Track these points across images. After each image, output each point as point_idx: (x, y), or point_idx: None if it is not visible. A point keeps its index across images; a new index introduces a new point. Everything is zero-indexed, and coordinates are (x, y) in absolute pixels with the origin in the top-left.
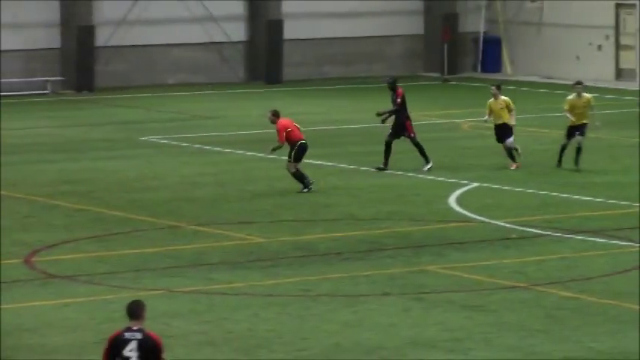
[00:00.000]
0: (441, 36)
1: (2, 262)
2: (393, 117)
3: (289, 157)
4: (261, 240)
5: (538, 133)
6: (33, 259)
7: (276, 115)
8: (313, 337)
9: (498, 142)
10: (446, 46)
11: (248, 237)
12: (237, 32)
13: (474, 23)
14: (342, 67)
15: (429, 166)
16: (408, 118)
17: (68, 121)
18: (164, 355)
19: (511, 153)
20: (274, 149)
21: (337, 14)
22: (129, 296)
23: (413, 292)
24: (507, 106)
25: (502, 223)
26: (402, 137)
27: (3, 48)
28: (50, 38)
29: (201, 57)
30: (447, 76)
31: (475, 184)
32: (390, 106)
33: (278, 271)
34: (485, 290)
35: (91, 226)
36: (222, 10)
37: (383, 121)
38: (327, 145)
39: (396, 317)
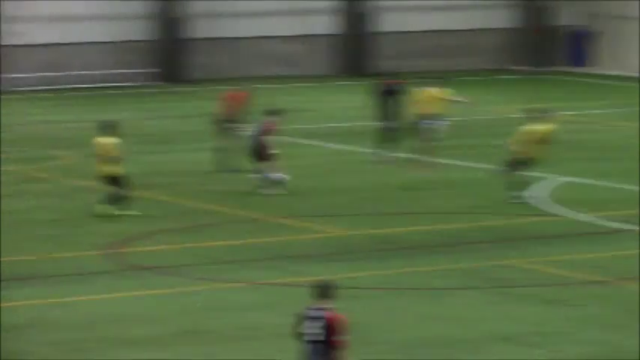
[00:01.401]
0: (534, 29)
1: (87, 253)
2: None
3: None
4: (343, 233)
5: (629, 128)
6: (118, 250)
7: None
8: (397, 330)
9: None
10: (538, 40)
11: (331, 230)
12: (327, 25)
13: (567, 16)
14: (431, 60)
15: None
16: None
17: (158, 113)
18: (347, 335)
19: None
20: None
21: (426, 7)
22: (210, 288)
23: (495, 286)
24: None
25: (588, 218)
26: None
27: (95, 40)
28: (141, 30)
29: (289, 49)
30: (538, 70)
31: (564, 179)
32: None
33: (360, 264)
34: (567, 285)
35: (176, 217)
36: (311, 3)
37: None
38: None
39: (478, 311)
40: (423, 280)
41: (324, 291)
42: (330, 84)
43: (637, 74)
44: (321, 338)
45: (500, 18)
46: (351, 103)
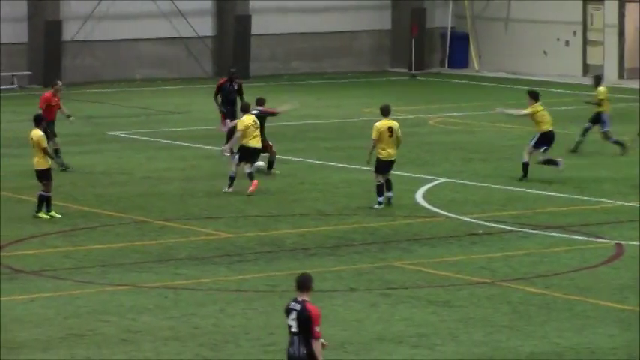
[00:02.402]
0: (409, 31)
1: None
2: None
3: None
4: (228, 235)
5: (504, 128)
6: None
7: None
8: (279, 333)
9: None
10: (413, 42)
11: (215, 232)
12: (205, 27)
13: (442, 19)
14: (310, 62)
15: None
16: None
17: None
18: (317, 328)
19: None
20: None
21: (305, 9)
22: (95, 291)
23: (380, 287)
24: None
25: (469, 219)
26: None
27: None
28: (17, 33)
29: (168, 52)
30: (414, 72)
31: (442, 180)
32: None
33: (245, 266)
34: (451, 286)
35: (57, 221)
36: (190, 5)
37: None
38: (295, 141)
39: (363, 313)
40: None
41: (302, 283)
42: (206, 86)
43: (507, 75)
44: (296, 330)
45: (377, 20)
46: None
